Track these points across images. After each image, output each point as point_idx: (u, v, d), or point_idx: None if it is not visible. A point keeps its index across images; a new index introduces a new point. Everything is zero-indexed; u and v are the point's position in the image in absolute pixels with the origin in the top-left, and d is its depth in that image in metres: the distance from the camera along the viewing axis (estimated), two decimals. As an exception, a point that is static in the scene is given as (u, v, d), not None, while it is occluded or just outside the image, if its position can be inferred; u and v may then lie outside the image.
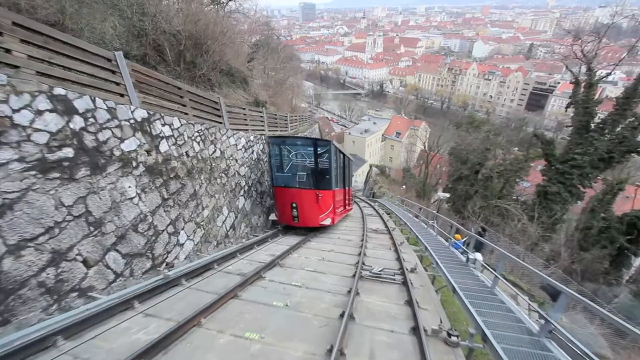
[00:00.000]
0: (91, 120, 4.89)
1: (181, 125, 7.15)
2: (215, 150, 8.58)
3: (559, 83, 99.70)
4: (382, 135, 69.94)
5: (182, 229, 6.77)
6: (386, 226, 13.05)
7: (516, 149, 34.65)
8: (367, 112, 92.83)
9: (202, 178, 7.74)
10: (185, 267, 5.58)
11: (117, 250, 5.06)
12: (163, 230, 6.14)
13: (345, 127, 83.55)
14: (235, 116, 10.81)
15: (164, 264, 5.93)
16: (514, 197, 24.76)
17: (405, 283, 5.97)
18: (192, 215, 7.19)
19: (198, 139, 7.81)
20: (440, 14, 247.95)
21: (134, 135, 5.72)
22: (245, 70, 18.64)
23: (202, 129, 8.03)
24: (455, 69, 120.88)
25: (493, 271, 5.63)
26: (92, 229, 4.68)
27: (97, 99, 5.05)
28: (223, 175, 8.88)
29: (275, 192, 10.20)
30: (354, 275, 6.17)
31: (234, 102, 13.77)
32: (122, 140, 5.44)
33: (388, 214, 20.44)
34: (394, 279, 6.26)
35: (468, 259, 7.09)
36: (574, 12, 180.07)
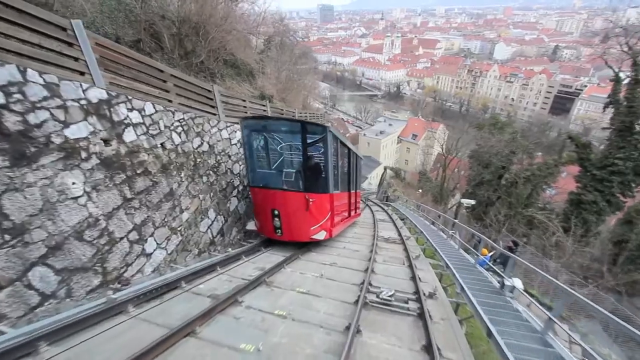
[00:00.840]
0: (17, 96, 3.78)
1: (156, 112, 6.02)
2: (202, 143, 7.44)
3: (585, 86, 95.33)
4: (398, 137, 68.09)
5: (151, 236, 5.62)
6: (400, 234, 11.65)
7: (540, 153, 32.39)
8: (383, 113, 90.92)
9: (182, 175, 6.59)
10: (140, 287, 4.40)
11: (47, 265, 3.92)
12: (122, 238, 5.00)
13: (361, 128, 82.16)
14: (233, 107, 9.68)
15: (118, 281, 4.77)
16: (540, 205, 22.76)
17: (422, 315, 4.64)
18: (166, 219, 6.03)
19: (179, 129, 6.69)
20: (461, 15, 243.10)
21: (85, 120, 4.60)
22: (252, 63, 17.60)
23: (186, 119, 6.90)
24: (475, 71, 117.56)
25: (546, 312, 4.22)
26: (7, 237, 3.55)
27: (28, 70, 3.94)
28: (211, 172, 7.73)
29: (252, 195, 8.01)
30: (356, 301, 4.87)
31: (236, 94, 12.67)
32: (66, 124, 4.33)
33: (402, 219, 18.99)
34: (408, 309, 4.92)
35: (503, 284, 5.67)
36: (602, 12, 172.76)
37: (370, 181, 55.40)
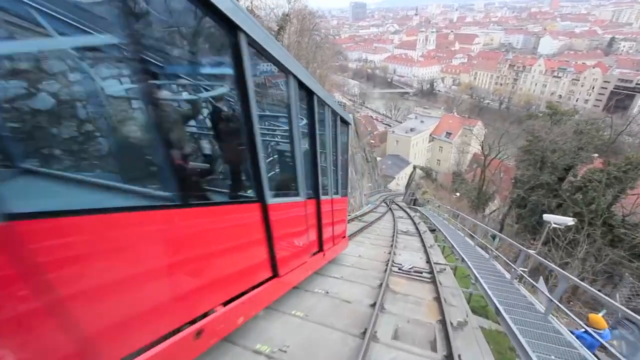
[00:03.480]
0: None
1: None
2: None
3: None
4: (430, 135, 62.72)
5: None
6: (428, 260, 7.60)
7: (596, 155, 26.24)
8: (414, 110, 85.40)
9: None
10: None
11: None
12: None
13: (390, 126, 77.41)
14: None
15: None
16: (620, 217, 17.31)
17: None
18: None
19: None
20: (502, 9, 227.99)
21: None
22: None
23: None
24: (517, 66, 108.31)
25: None
26: None
27: None
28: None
29: None
30: None
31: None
32: None
33: (432, 230, 14.81)
34: None
35: None
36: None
37: (398, 182, 51.10)
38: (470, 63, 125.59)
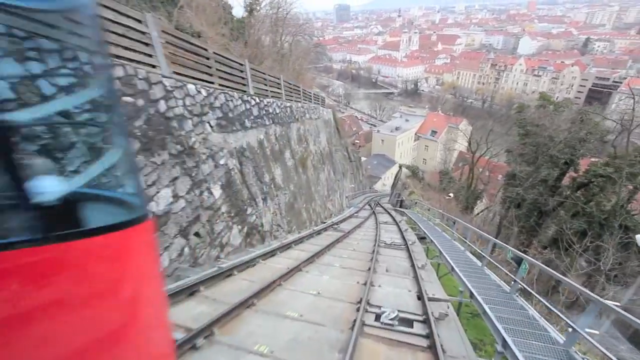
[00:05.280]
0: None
1: None
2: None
3: (625, 78, 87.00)
4: (415, 134, 61.03)
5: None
6: (420, 293, 5.15)
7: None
8: (400, 108, 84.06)
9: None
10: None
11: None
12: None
13: (375, 126, 75.82)
14: None
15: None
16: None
17: None
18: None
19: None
20: (482, 11, 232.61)
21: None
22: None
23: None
24: (499, 65, 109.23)
25: None
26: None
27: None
28: None
29: None
30: None
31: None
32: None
33: (422, 238, 12.51)
34: None
35: None
36: (636, 4, 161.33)
37: (384, 182, 49.30)
38: (453, 63, 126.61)
